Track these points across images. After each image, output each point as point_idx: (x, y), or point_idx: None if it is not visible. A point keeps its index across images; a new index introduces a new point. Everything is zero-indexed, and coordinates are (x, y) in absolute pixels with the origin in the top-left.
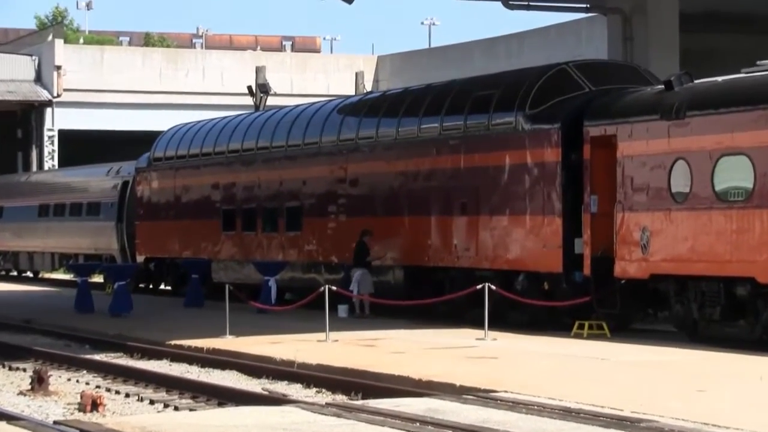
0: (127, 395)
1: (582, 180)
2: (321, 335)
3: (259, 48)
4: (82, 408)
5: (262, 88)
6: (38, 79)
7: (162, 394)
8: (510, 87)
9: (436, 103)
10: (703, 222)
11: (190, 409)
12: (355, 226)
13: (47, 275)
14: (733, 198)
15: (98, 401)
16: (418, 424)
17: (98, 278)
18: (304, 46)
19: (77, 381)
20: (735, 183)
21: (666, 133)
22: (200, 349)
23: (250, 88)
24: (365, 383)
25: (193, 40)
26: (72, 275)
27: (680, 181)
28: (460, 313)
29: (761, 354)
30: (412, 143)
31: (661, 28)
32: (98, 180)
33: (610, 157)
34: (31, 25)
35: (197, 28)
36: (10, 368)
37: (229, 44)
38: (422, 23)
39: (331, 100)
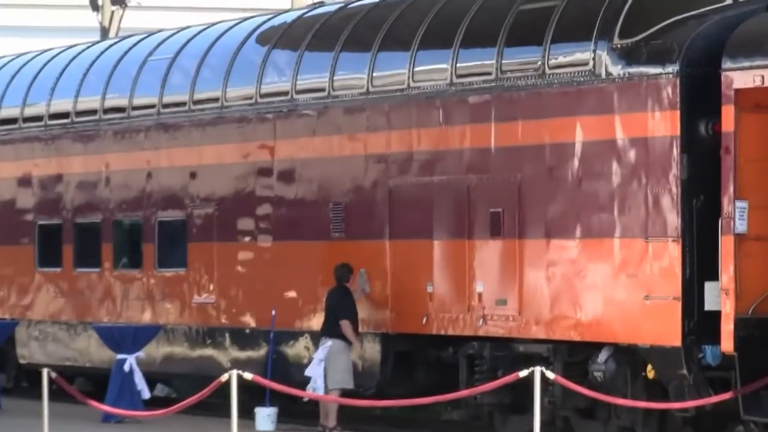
0: None
1: (719, 172)
2: None
3: None
4: None
5: None
6: None
7: None
8: None
9: (443, 26)
10: None
11: None
12: (289, 257)
13: None
14: None
15: None
16: None
17: None
18: None
19: None
20: None
21: None
22: None
23: None
24: None
25: None
26: None
27: None
28: (487, 421)
29: None
30: (399, 101)
31: None
32: None
33: None
34: None
35: None
36: None
37: None
38: None
39: (245, 20)
